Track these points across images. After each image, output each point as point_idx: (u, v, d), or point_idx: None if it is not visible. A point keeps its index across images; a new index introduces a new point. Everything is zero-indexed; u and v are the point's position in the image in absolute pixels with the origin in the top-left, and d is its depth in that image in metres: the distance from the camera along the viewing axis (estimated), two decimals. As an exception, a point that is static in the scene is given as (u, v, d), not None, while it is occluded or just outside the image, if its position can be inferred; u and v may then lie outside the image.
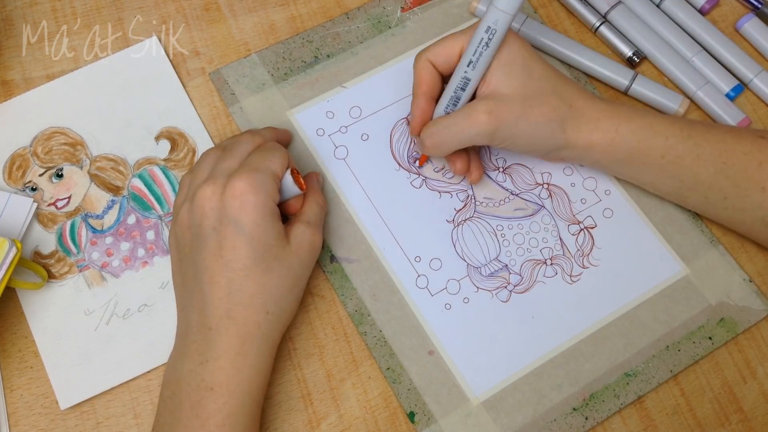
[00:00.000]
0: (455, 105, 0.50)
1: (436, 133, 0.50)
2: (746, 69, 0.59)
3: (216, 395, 0.44)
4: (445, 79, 0.52)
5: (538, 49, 0.59)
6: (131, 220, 0.54)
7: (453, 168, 0.54)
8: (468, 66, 0.48)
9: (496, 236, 0.55)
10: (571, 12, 0.62)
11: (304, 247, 0.48)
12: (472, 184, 0.56)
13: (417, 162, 0.56)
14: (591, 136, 0.50)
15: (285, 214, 0.50)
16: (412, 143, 0.57)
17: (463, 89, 0.49)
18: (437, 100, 0.52)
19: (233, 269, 0.45)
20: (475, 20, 0.61)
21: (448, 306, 0.52)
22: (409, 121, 0.57)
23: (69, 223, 0.54)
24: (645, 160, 0.51)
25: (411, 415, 0.50)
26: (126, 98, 0.57)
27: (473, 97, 0.50)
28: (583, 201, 0.56)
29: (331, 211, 0.55)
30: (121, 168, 0.56)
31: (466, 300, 0.53)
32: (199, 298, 0.45)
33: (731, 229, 0.54)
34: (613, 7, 0.61)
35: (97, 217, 0.54)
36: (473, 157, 0.54)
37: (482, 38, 0.47)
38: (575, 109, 0.50)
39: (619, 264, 0.54)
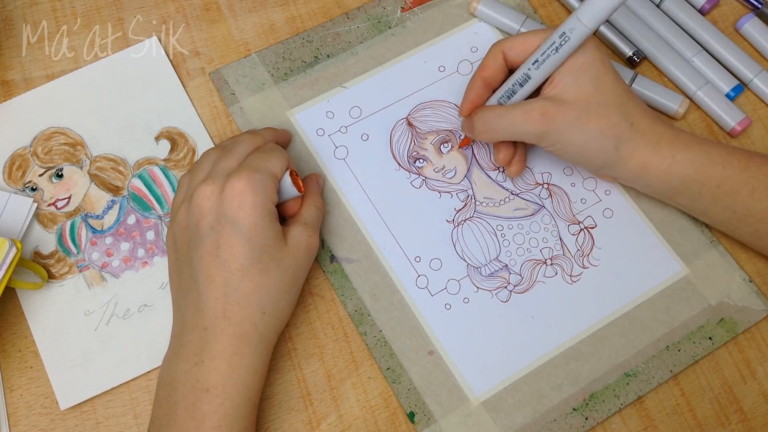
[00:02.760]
0: (509, 98, 0.51)
1: (489, 120, 0.50)
2: (746, 69, 0.59)
3: (212, 396, 0.44)
4: (511, 73, 0.52)
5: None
6: (131, 220, 0.54)
7: (496, 155, 0.54)
8: (533, 64, 0.49)
9: (496, 236, 0.55)
10: (571, 12, 0.62)
11: (301, 248, 0.48)
12: (510, 177, 0.56)
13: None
14: (647, 160, 0.49)
15: (283, 216, 0.50)
16: (412, 143, 0.57)
17: (521, 85, 0.50)
18: (494, 90, 0.53)
19: (230, 269, 0.45)
20: (473, 20, 0.61)
21: (448, 306, 0.52)
22: (408, 121, 0.57)
23: (69, 223, 0.54)
24: (700, 189, 0.50)
25: (411, 415, 0.50)
26: (126, 98, 0.57)
27: (534, 96, 0.51)
28: (583, 201, 0.56)
29: (331, 211, 0.55)
30: (121, 168, 0.56)
31: (466, 300, 0.53)
32: (195, 298, 0.45)
33: None
34: (613, 7, 0.61)
35: (97, 217, 0.54)
36: (519, 151, 0.54)
37: (554, 42, 0.47)
38: (636, 129, 0.49)
39: (619, 264, 0.54)
